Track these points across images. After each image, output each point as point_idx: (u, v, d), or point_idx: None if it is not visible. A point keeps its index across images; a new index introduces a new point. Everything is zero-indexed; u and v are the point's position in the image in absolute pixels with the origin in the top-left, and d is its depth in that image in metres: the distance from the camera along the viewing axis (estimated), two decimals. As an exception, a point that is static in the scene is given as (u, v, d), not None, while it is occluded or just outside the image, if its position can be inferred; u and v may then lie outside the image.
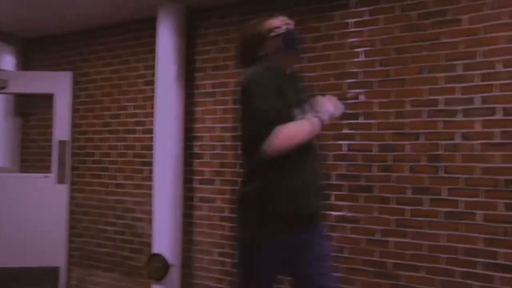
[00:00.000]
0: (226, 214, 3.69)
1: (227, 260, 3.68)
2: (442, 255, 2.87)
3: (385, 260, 3.04)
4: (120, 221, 4.23)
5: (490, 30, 2.80)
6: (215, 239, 3.74)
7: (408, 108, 3.02)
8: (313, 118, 1.82)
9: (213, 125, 3.81)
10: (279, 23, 1.97)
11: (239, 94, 1.83)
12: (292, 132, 1.76)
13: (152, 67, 3.94)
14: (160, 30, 3.80)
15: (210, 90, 3.84)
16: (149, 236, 3.84)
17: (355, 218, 3.16)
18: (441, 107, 2.90)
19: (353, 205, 3.18)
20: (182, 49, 3.82)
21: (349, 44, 3.25)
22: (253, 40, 1.96)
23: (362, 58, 3.19)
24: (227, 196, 3.70)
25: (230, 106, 3.72)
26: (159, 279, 3.60)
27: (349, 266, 3.15)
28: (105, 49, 4.43)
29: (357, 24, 3.23)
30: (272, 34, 1.94)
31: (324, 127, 1.85)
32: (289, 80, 1.92)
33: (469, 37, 2.85)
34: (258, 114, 1.74)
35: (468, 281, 2.78)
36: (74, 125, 4.55)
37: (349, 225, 3.18)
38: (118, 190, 4.26)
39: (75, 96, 4.56)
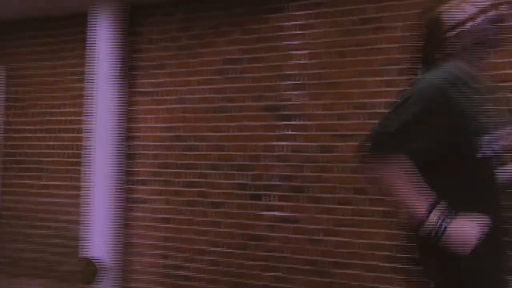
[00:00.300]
0: (164, 215, 3.62)
1: (163, 262, 3.60)
2: (376, 253, 2.96)
3: (322, 258, 3.10)
4: (52, 224, 4.03)
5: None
6: (152, 240, 3.65)
7: (345, 110, 3.09)
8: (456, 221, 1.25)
9: (152, 125, 3.72)
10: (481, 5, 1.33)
11: (406, 96, 1.32)
12: (404, 189, 1.27)
13: (89, 64, 3.79)
14: (98, 26, 3.67)
15: (150, 89, 3.75)
16: (83, 239, 3.69)
17: (295, 218, 3.20)
18: (377, 109, 2.99)
19: (294, 205, 3.21)
20: (121, 47, 3.71)
21: (288, 47, 3.29)
22: (437, 32, 1.38)
23: (300, 60, 3.23)
24: (165, 197, 3.62)
25: (170, 106, 3.65)
26: (93, 282, 3.47)
27: (289, 265, 3.18)
28: (40, 44, 4.22)
29: (296, 27, 3.28)
30: (467, 26, 1.34)
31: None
32: (477, 98, 1.35)
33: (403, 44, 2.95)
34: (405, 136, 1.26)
35: (399, 276, 2.87)
36: (4, 123, 4.30)
37: (290, 225, 3.21)
38: (51, 191, 4.06)
39: (6, 92, 4.31)
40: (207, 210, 3.46)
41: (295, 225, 3.19)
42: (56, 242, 3.99)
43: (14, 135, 4.27)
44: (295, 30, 3.28)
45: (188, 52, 3.61)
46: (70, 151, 4.00)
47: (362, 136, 1.36)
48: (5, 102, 4.30)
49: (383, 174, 1.29)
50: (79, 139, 3.96)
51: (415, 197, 1.27)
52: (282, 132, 3.27)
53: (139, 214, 3.71)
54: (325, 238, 3.10)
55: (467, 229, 1.25)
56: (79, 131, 3.96)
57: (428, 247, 1.30)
